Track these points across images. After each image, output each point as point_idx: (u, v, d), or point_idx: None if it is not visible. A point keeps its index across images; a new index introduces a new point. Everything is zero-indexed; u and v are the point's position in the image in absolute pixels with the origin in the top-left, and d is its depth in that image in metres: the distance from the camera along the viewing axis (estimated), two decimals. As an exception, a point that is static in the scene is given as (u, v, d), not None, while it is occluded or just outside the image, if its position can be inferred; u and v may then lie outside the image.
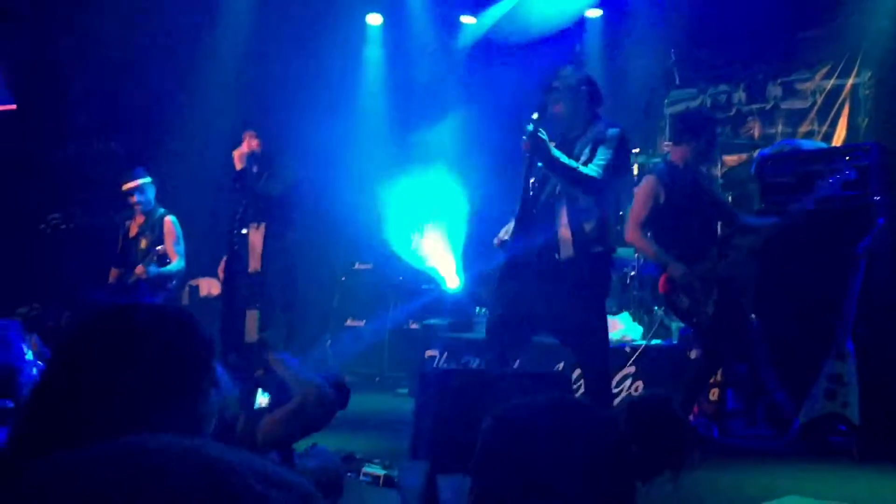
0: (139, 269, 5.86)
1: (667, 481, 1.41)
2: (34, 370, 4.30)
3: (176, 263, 6.10)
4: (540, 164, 3.90)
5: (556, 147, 3.90)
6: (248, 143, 5.23)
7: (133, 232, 6.23)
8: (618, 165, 3.97)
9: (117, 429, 0.82)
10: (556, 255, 3.89)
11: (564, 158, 3.85)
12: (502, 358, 3.99)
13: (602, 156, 3.90)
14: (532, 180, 3.99)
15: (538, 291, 3.92)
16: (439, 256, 7.81)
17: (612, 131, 3.98)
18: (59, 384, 1.07)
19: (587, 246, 3.89)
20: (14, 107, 6.99)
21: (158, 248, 5.90)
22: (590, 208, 3.92)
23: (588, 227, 3.90)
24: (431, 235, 7.92)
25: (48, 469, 0.72)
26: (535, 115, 3.86)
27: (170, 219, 6.21)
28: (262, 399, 1.97)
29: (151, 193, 6.25)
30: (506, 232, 4.17)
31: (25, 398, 1.11)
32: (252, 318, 5.00)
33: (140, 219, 6.22)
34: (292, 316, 5.40)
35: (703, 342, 4.77)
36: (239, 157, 5.16)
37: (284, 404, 1.67)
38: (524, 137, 3.82)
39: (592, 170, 3.86)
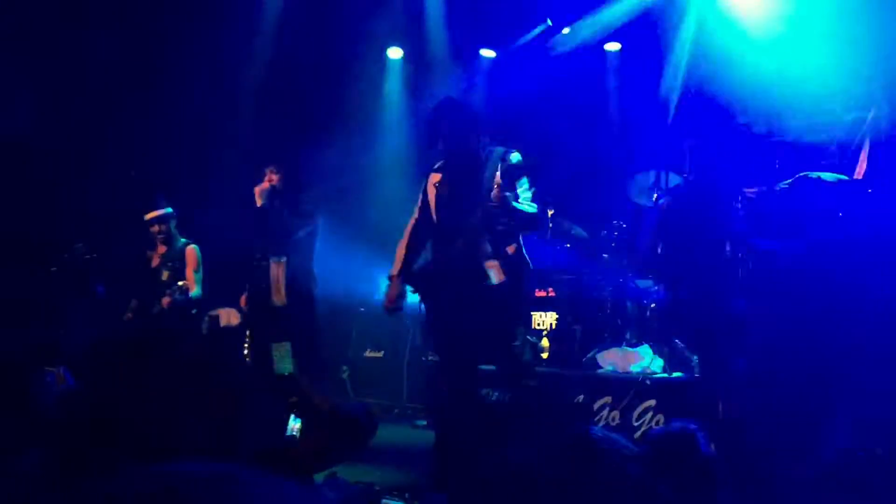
0: (165, 299, 5.90)
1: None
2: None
3: (196, 291, 6.17)
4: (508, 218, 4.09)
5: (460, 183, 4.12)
6: (269, 179, 5.29)
7: (155, 262, 6.28)
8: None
9: (152, 453, 0.83)
10: (482, 281, 4.01)
11: (521, 207, 4.07)
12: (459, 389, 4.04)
13: (524, 187, 4.12)
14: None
15: (459, 312, 4.07)
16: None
17: (516, 158, 4.16)
18: (96, 410, 1.08)
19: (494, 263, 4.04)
20: (34, 137, 7.10)
21: (181, 283, 5.95)
22: (509, 232, 4.11)
23: (510, 251, 4.11)
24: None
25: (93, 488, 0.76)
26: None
27: (192, 248, 6.29)
28: (293, 425, 1.96)
29: (173, 224, 6.33)
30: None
31: (59, 421, 1.11)
32: (282, 350, 5.02)
33: (161, 249, 6.29)
34: (313, 347, 5.44)
35: None
36: (260, 193, 5.21)
37: (316, 431, 1.65)
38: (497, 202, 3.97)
39: (532, 206, 4.11)
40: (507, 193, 4.01)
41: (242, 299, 5.87)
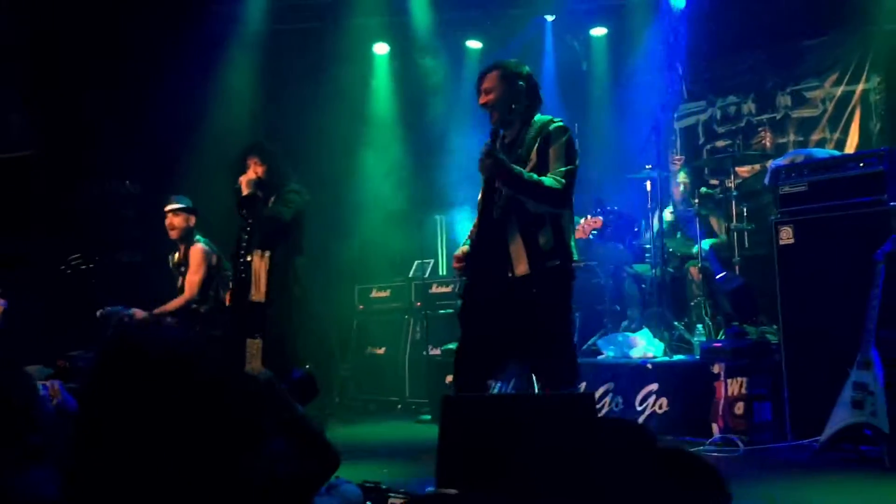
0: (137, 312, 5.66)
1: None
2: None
3: (181, 298, 5.91)
4: (502, 185, 3.66)
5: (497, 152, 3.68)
6: (254, 170, 5.08)
7: (175, 266, 6.13)
8: (575, 167, 3.71)
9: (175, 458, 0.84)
10: (510, 273, 3.65)
11: (527, 175, 3.63)
12: (474, 385, 3.66)
13: (559, 161, 3.68)
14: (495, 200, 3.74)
15: (498, 313, 3.67)
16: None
17: (556, 126, 3.75)
18: (107, 422, 1.08)
19: (542, 260, 3.64)
20: (28, 153, 7.05)
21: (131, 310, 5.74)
22: (542, 219, 3.67)
23: (542, 239, 3.66)
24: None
25: None
26: (492, 136, 3.67)
27: (196, 246, 6.01)
28: None
29: (190, 221, 6.06)
30: (461, 256, 3.91)
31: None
32: (255, 346, 4.82)
33: (180, 251, 6.10)
34: (297, 346, 5.19)
35: None
36: (246, 182, 4.97)
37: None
38: (481, 157, 3.62)
39: (556, 182, 3.63)
40: (501, 157, 3.60)
41: (227, 296, 5.56)
